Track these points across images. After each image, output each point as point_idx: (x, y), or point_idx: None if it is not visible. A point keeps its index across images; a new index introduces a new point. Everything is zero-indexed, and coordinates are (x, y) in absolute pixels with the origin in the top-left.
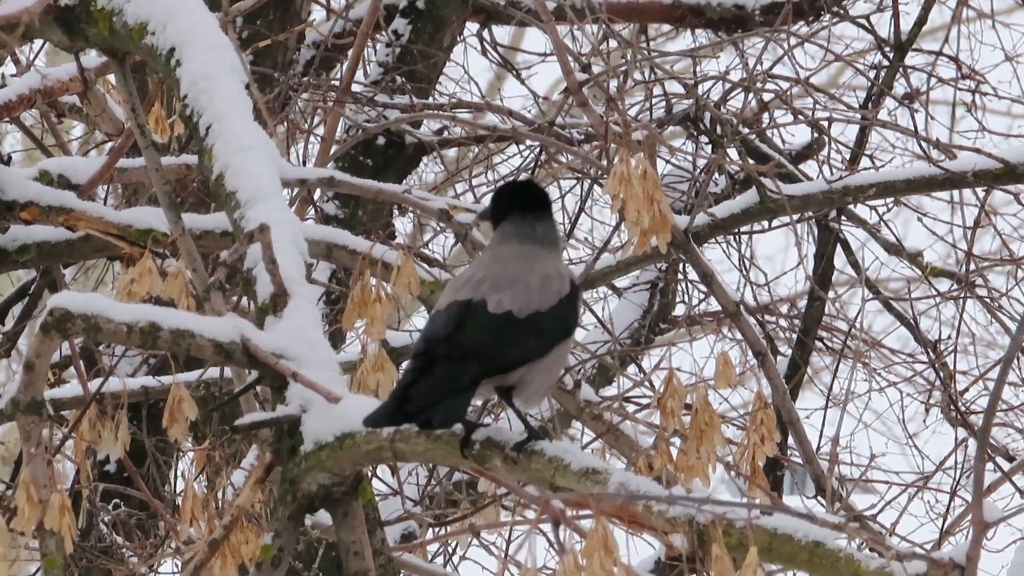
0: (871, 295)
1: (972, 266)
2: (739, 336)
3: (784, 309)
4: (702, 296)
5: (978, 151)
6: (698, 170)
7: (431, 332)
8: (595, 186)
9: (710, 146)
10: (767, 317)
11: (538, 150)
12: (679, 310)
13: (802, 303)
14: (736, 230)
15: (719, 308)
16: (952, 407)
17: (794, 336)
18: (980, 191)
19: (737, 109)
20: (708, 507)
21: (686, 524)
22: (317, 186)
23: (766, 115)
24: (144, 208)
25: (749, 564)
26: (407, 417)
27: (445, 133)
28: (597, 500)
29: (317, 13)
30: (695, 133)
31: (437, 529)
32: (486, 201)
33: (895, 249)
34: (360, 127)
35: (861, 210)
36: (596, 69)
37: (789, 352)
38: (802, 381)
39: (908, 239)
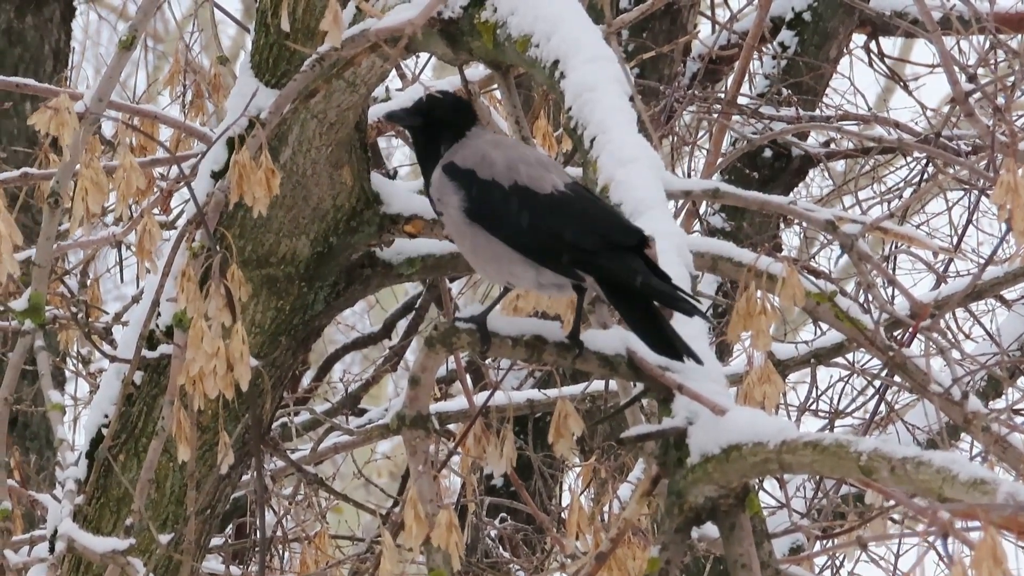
0: None
1: None
2: None
3: None
4: None
5: None
6: None
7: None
8: (983, 197)
9: None
10: None
11: (925, 162)
12: None
13: None
14: None
15: None
16: None
17: None
18: None
19: None
20: None
21: None
22: (702, 198)
23: None
24: None
25: None
26: None
27: (832, 145)
28: (985, 510)
29: (703, 25)
30: None
31: (824, 542)
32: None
33: None
34: (746, 139)
35: None
36: (983, 80)
37: None
38: None
39: None
